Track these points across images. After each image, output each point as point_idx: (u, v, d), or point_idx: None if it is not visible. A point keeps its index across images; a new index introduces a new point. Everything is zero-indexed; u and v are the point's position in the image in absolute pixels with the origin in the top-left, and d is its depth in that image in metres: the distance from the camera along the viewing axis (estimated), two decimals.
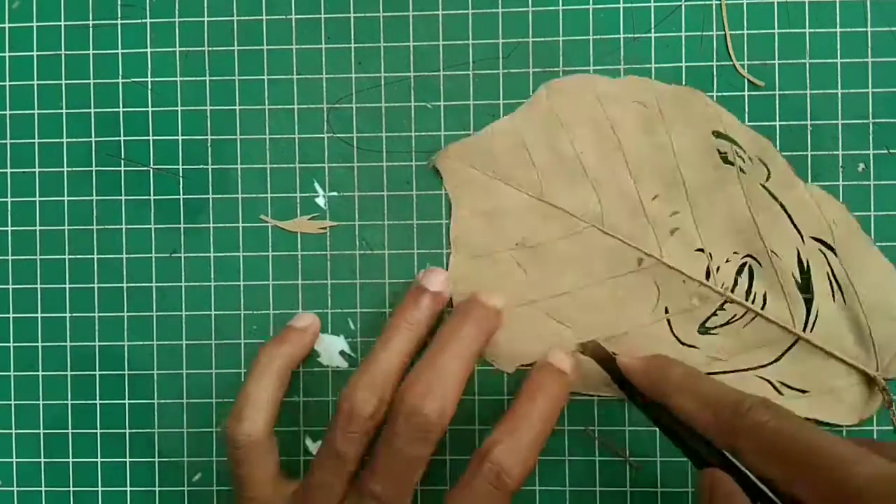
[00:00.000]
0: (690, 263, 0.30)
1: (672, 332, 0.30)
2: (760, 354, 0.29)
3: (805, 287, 0.29)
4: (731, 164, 0.29)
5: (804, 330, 0.29)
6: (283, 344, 0.29)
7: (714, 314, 0.30)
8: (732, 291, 0.29)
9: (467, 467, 0.26)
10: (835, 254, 0.29)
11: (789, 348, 0.29)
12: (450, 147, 0.30)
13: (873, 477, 0.19)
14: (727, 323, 0.30)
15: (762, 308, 0.29)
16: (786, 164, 0.29)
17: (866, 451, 0.20)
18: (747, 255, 0.29)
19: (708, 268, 0.30)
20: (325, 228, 0.31)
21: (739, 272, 0.29)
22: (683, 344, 0.30)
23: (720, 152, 0.29)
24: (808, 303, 0.29)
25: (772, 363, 0.29)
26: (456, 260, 0.31)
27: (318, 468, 0.27)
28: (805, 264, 0.29)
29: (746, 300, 0.29)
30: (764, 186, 0.29)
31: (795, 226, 0.29)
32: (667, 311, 0.30)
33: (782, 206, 0.29)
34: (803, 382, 0.29)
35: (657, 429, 0.27)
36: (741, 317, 0.30)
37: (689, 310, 0.30)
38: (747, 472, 0.22)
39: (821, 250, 0.29)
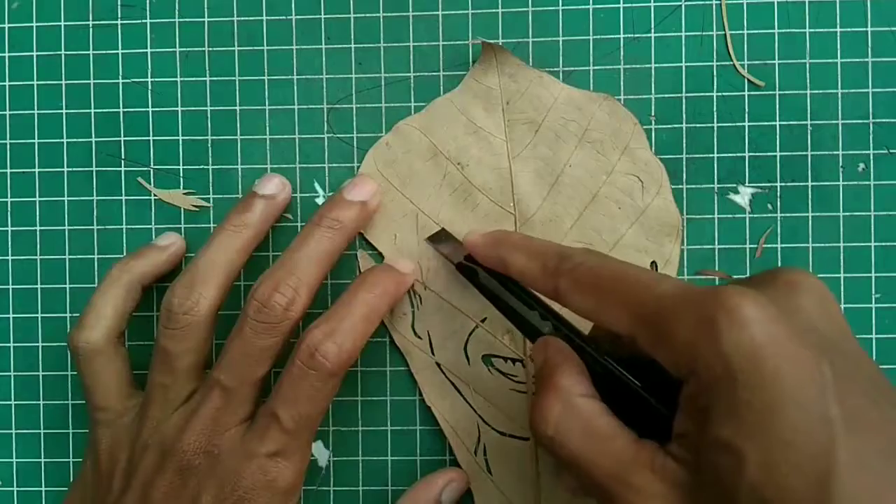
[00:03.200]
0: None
1: (467, 339, 0.30)
2: (498, 417, 0.30)
3: None
4: None
5: None
6: (136, 258, 0.30)
7: (504, 359, 0.30)
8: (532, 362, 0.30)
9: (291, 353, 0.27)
10: None
11: (517, 437, 0.30)
12: (506, 51, 0.30)
13: (669, 292, 0.20)
14: (505, 373, 0.30)
15: (535, 393, 0.29)
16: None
17: (666, 275, 0.23)
18: None
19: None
20: (197, 207, 0.31)
21: None
22: (465, 352, 0.30)
23: None
24: None
25: (496, 431, 0.30)
26: (412, 121, 0.31)
27: (151, 370, 0.28)
28: None
29: (533, 376, 0.29)
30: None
31: None
32: (484, 321, 0.30)
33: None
34: (497, 469, 0.30)
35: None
36: (516, 381, 0.30)
37: (496, 337, 0.30)
38: (575, 338, 0.24)
39: None
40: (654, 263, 0.30)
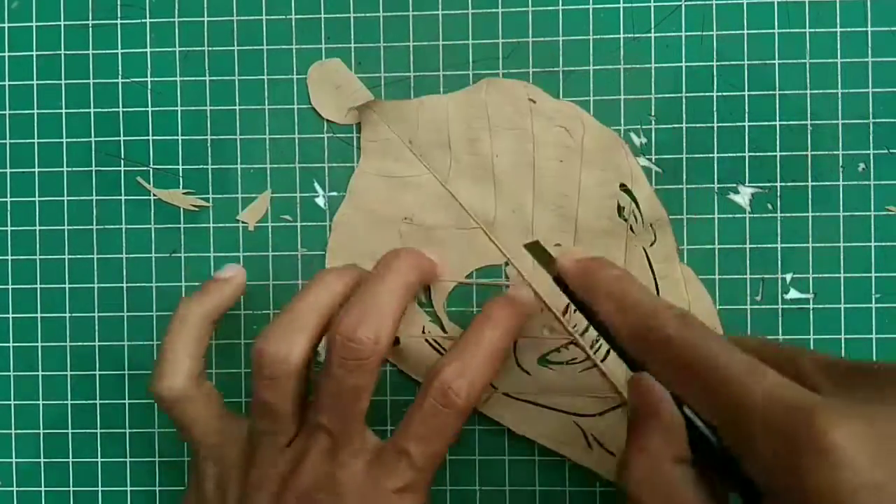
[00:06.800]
0: (556, 297, 0.29)
1: (514, 352, 0.30)
2: (586, 404, 0.30)
3: None
4: (625, 220, 0.30)
5: None
6: (201, 296, 0.29)
7: (557, 350, 0.30)
8: (582, 336, 0.30)
9: (420, 389, 0.26)
10: None
11: (614, 408, 0.30)
12: (379, 102, 0.30)
13: (761, 400, 0.19)
14: (566, 363, 0.30)
15: (602, 360, 0.30)
16: (673, 240, 0.30)
17: (763, 368, 0.20)
18: None
19: (568, 306, 0.30)
20: (197, 207, 0.31)
21: None
22: (520, 367, 0.30)
23: (619, 205, 0.30)
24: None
25: (593, 416, 0.30)
26: (344, 210, 0.31)
27: (251, 418, 0.27)
28: None
29: (590, 348, 0.30)
30: (645, 251, 0.30)
31: (659, 295, 0.29)
32: None
33: (654, 273, 0.30)
34: (615, 444, 0.30)
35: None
36: (580, 361, 0.30)
37: (538, 338, 0.30)
38: None
39: None
40: (620, 207, 0.30)
